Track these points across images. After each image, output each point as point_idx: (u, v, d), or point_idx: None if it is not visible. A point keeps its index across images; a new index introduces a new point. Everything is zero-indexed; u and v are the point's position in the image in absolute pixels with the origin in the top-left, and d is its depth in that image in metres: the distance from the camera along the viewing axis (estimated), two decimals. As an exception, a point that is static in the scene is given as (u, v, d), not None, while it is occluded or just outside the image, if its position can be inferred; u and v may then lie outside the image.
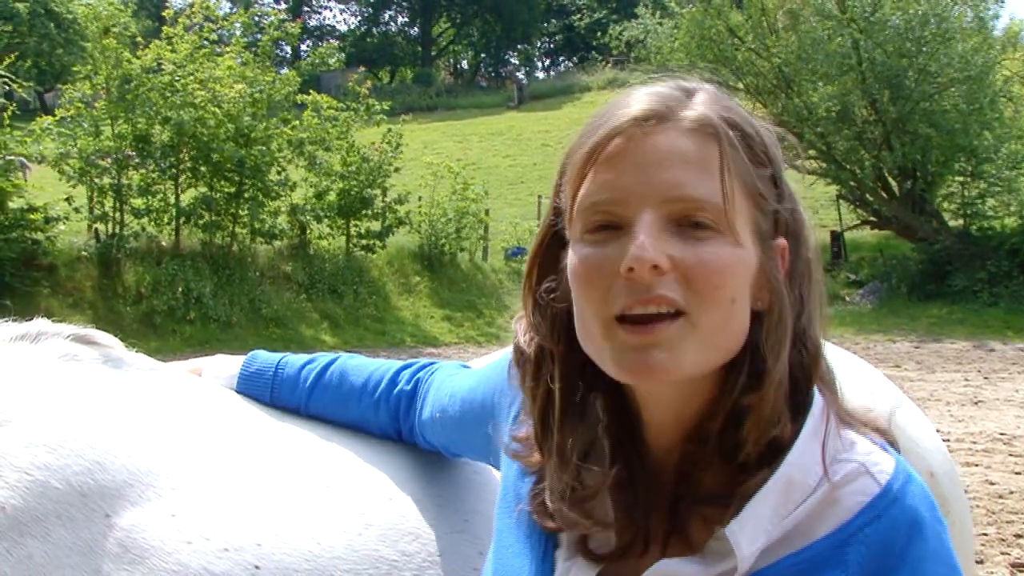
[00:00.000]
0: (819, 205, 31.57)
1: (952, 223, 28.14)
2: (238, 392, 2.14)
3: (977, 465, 10.29)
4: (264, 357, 2.20)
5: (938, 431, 9.66)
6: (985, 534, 8.14)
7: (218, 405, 2.02)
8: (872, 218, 29.19)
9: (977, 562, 7.49)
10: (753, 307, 1.31)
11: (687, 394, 1.33)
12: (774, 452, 1.29)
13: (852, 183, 28.03)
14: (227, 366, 2.20)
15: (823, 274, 1.41)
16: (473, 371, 1.93)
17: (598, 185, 1.31)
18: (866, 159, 27.33)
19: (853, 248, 30.08)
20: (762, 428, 1.29)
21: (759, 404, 1.29)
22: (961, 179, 28.60)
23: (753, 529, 1.26)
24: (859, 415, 1.39)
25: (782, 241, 1.34)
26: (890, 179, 28.36)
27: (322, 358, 2.16)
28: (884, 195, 28.18)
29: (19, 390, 1.77)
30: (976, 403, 14.10)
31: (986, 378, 16.52)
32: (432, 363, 2.08)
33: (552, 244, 1.42)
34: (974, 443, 11.28)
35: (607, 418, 1.42)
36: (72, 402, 1.80)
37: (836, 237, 29.58)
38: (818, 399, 1.34)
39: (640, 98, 1.34)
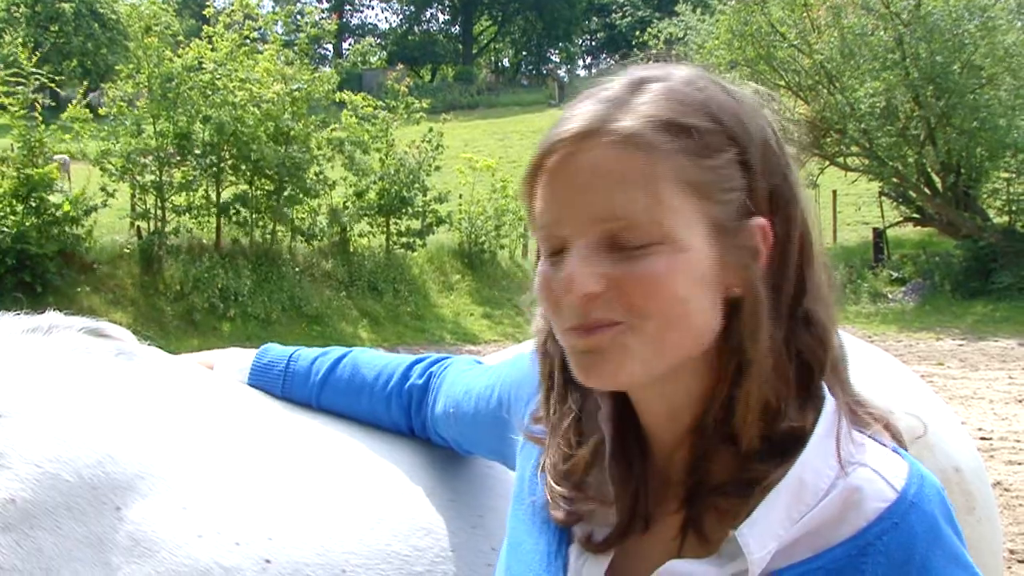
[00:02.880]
0: (861, 202, 31.38)
1: (997, 220, 27.82)
2: (250, 385, 2.14)
3: (1021, 464, 10.18)
4: (276, 350, 2.19)
5: (981, 429, 9.65)
6: (1027, 533, 8.05)
7: (230, 398, 2.02)
8: (915, 215, 28.95)
9: (1020, 561, 7.40)
10: (728, 296, 1.30)
11: (671, 387, 1.33)
12: (790, 444, 1.27)
13: (895, 179, 27.79)
14: (239, 359, 2.20)
15: (824, 253, 1.37)
16: (489, 367, 1.92)
17: (542, 205, 1.33)
18: (909, 155, 27.08)
19: (896, 245, 29.83)
20: (759, 415, 1.28)
21: (747, 392, 1.27)
22: (1007, 175, 28.29)
23: (763, 532, 1.24)
24: (869, 413, 1.35)
25: (759, 221, 1.30)
26: (934, 175, 28.09)
27: (334, 351, 2.15)
28: (927, 192, 27.91)
29: (30, 383, 1.77)
30: (1020, 401, 13.94)
31: (1031, 376, 16.33)
32: (445, 357, 2.07)
33: None
34: (1017, 441, 11.14)
35: (608, 407, 1.43)
36: (83, 395, 1.80)
37: (879, 234, 29.35)
38: (830, 396, 1.31)
39: (578, 110, 1.33)
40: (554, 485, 1.44)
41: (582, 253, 1.27)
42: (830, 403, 1.30)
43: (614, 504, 1.39)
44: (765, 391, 1.27)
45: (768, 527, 1.24)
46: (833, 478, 1.26)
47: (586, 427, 1.44)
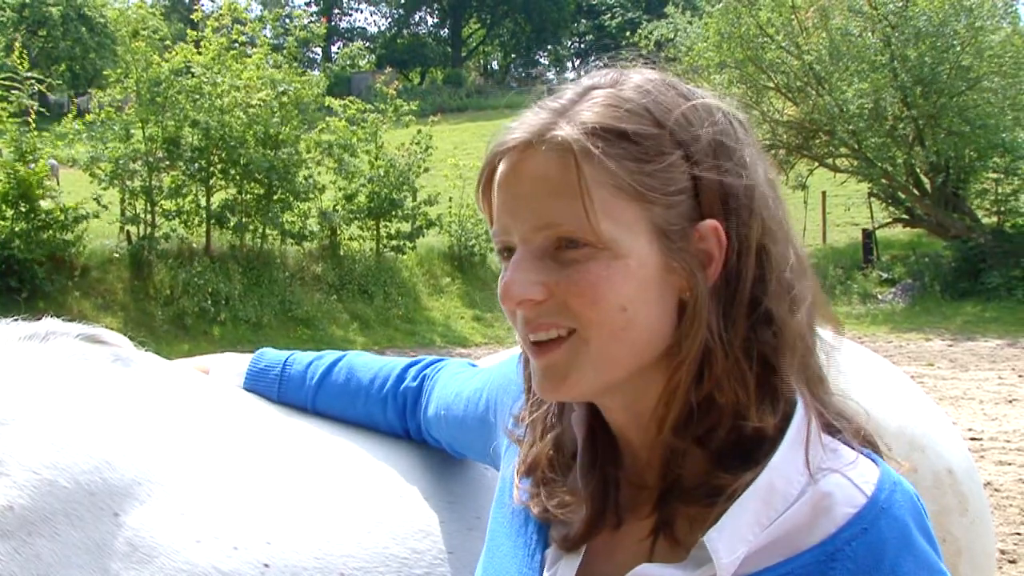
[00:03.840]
0: (851, 203, 31.39)
1: (986, 220, 27.85)
2: (246, 389, 2.14)
3: (1011, 464, 10.20)
4: (271, 355, 2.20)
5: (971, 430, 9.65)
6: (1019, 533, 8.07)
7: (226, 403, 2.02)
8: (904, 216, 28.97)
9: (1010, 561, 7.42)
10: (682, 298, 1.30)
11: (631, 395, 1.34)
12: (758, 448, 1.27)
13: (884, 181, 27.81)
14: (235, 364, 2.20)
15: (800, 252, 1.36)
16: (480, 371, 1.92)
17: (494, 212, 1.35)
18: (898, 156, 27.11)
19: (885, 246, 29.86)
20: (721, 417, 1.28)
21: (706, 392, 1.28)
22: (995, 176, 28.32)
23: (732, 537, 1.24)
24: (842, 417, 1.35)
25: (709, 223, 1.29)
26: (922, 176, 28.12)
27: (329, 355, 2.16)
28: (916, 193, 27.94)
29: (28, 389, 1.77)
30: (1010, 401, 13.97)
31: (1020, 376, 16.35)
32: (439, 360, 2.08)
33: None
34: (1007, 442, 11.17)
35: (581, 410, 1.44)
36: (80, 401, 1.80)
37: (868, 235, 29.38)
38: (801, 400, 1.30)
39: (524, 120, 1.35)
40: (517, 480, 1.46)
41: (522, 260, 1.29)
42: (800, 407, 1.29)
43: (583, 501, 1.39)
44: (726, 392, 1.27)
45: (737, 532, 1.24)
46: (804, 484, 1.26)
47: (557, 426, 1.46)
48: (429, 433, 1.99)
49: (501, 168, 1.33)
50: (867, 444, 1.34)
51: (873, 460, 1.31)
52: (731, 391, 1.27)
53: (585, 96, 1.34)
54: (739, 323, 1.28)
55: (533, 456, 1.45)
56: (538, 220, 1.28)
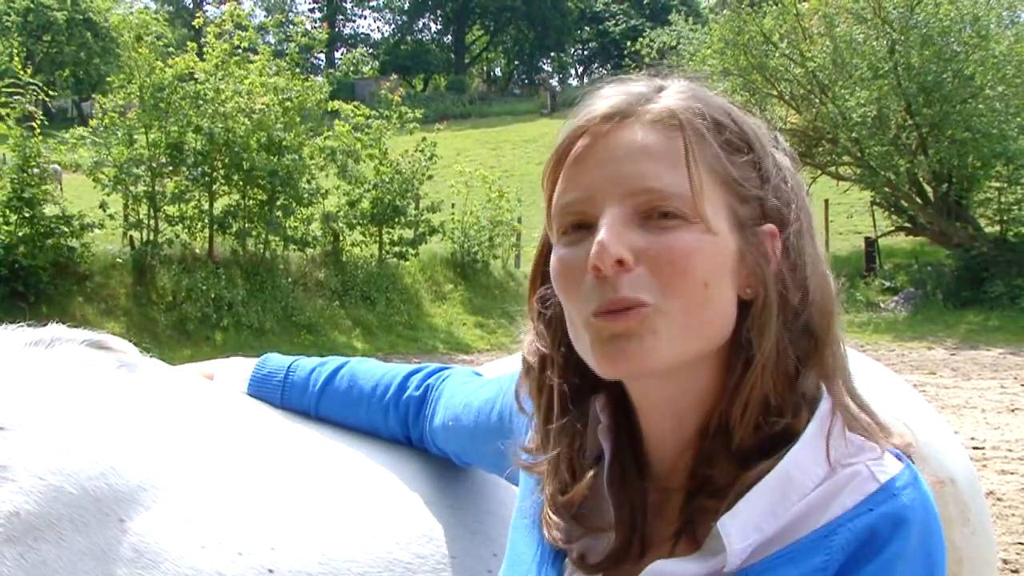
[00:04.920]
0: (853, 211, 31.40)
1: (988, 229, 27.84)
2: (249, 395, 2.14)
3: (1013, 473, 10.19)
4: (276, 360, 2.20)
5: (973, 439, 9.64)
6: (1021, 543, 8.05)
7: (231, 409, 2.02)
8: (907, 224, 28.98)
9: (1013, 571, 7.41)
10: (741, 296, 1.31)
11: (679, 389, 1.33)
12: (781, 443, 1.28)
13: (887, 189, 27.81)
14: (239, 369, 2.20)
15: (826, 264, 1.38)
16: (489, 380, 1.91)
17: (567, 186, 1.33)
18: (901, 165, 27.10)
19: (888, 255, 29.88)
20: (757, 416, 1.29)
21: (748, 390, 1.28)
22: (998, 185, 28.31)
23: (744, 523, 1.25)
24: (875, 420, 1.35)
25: (769, 227, 1.32)
26: (925, 185, 28.13)
27: (332, 362, 2.16)
28: (919, 201, 27.94)
29: (33, 395, 1.77)
30: (1012, 410, 13.95)
31: (1023, 385, 16.34)
32: (442, 368, 2.07)
33: (550, 252, 1.41)
34: (1010, 451, 11.15)
35: (608, 420, 1.42)
36: (86, 407, 1.80)
37: (871, 244, 29.39)
38: (826, 397, 1.31)
39: (606, 96, 1.35)
40: (551, 515, 1.43)
41: (613, 222, 1.26)
42: (825, 404, 1.30)
43: (612, 529, 1.38)
44: (767, 390, 1.28)
45: (750, 519, 1.25)
46: (822, 477, 1.26)
47: (583, 459, 1.43)
48: (434, 443, 1.98)
49: (584, 140, 1.32)
50: (898, 446, 1.34)
51: (900, 459, 1.31)
52: (773, 390, 1.29)
53: (660, 87, 1.37)
54: (786, 326, 1.30)
55: (569, 496, 1.42)
56: (634, 185, 1.27)
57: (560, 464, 1.44)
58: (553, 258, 1.35)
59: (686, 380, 1.33)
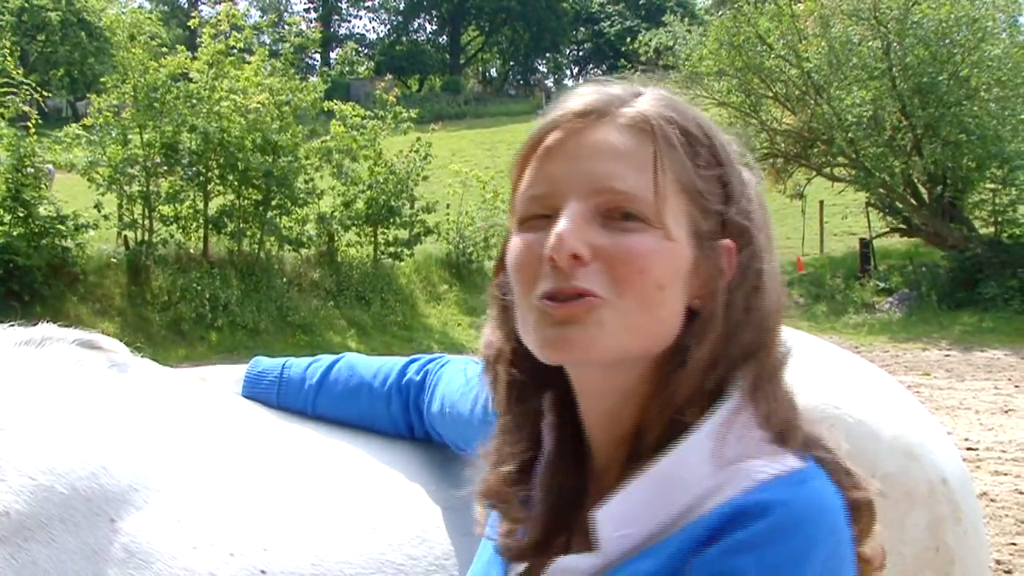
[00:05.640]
0: (848, 212, 31.39)
1: (983, 230, 27.84)
2: (244, 396, 2.14)
3: (1007, 474, 10.19)
4: (268, 361, 2.20)
5: (967, 440, 9.66)
6: (1014, 544, 8.06)
7: (223, 408, 2.02)
8: (902, 226, 28.98)
9: (1006, 572, 7.42)
10: (691, 305, 1.32)
11: (616, 383, 1.33)
12: (673, 440, 1.28)
13: (881, 190, 27.82)
14: (231, 372, 2.20)
15: (781, 289, 1.39)
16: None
17: (534, 177, 1.34)
18: (896, 166, 27.09)
19: (882, 256, 29.86)
20: (667, 415, 1.29)
21: (671, 393, 1.29)
22: (992, 186, 28.32)
23: (616, 515, 1.25)
24: (790, 421, 1.32)
25: (727, 243, 1.33)
26: (920, 186, 28.14)
27: (326, 358, 2.16)
28: (914, 202, 27.94)
29: (24, 395, 1.77)
30: (1006, 411, 13.96)
31: (1016, 386, 16.34)
32: (440, 356, 2.08)
33: None
34: (1003, 452, 11.16)
35: (554, 417, 1.43)
36: (77, 407, 1.80)
37: (865, 245, 29.39)
38: (734, 397, 1.30)
39: (583, 94, 1.36)
40: (479, 507, 1.46)
41: (574, 215, 1.27)
42: (729, 402, 1.29)
43: (535, 520, 1.39)
44: (689, 393, 1.29)
45: (625, 511, 1.25)
46: (710, 473, 1.25)
47: (521, 453, 1.44)
48: (433, 428, 2.00)
49: (557, 134, 1.33)
50: (808, 448, 1.31)
51: (807, 463, 1.27)
52: (695, 398, 1.29)
53: (636, 92, 1.37)
54: (724, 340, 1.30)
55: (497, 487, 1.43)
56: (600, 183, 1.28)
57: (499, 456, 1.45)
58: (512, 243, 1.36)
59: (623, 376, 1.33)
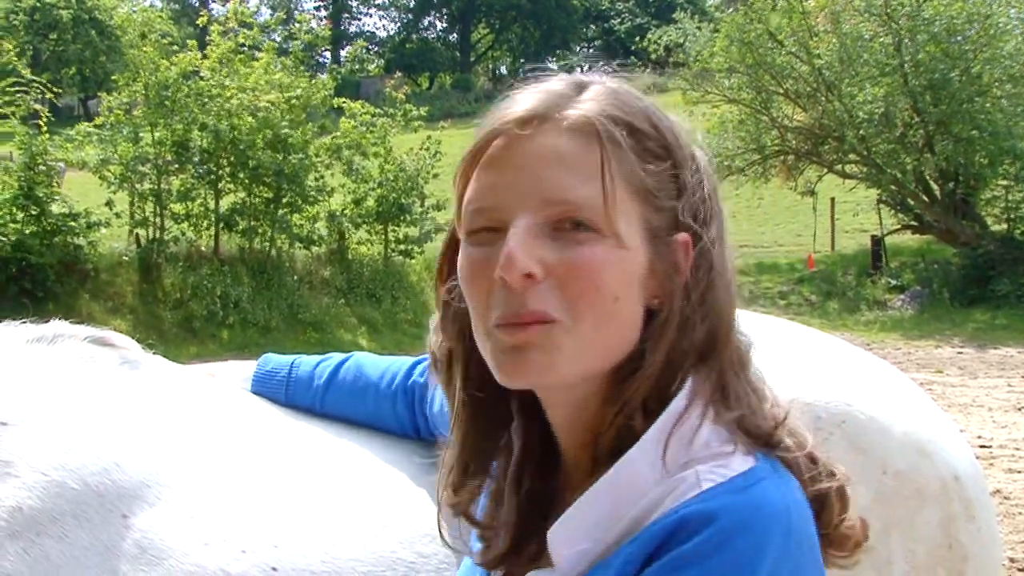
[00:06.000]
0: (860, 209, 31.32)
1: (995, 227, 27.75)
2: (253, 393, 2.14)
3: (1020, 472, 10.16)
4: (277, 358, 2.20)
5: (980, 437, 9.61)
6: (1026, 541, 8.04)
7: (234, 406, 2.02)
8: (914, 223, 28.89)
9: (1020, 570, 7.39)
10: (649, 305, 1.29)
11: (582, 396, 1.31)
12: (627, 446, 1.25)
13: (893, 187, 27.73)
14: (240, 369, 2.20)
15: (733, 276, 1.35)
16: None
17: (479, 189, 1.29)
18: (907, 162, 27.01)
19: (894, 253, 29.77)
20: (623, 420, 1.27)
21: (628, 395, 1.26)
22: (1005, 183, 28.22)
23: (573, 530, 1.23)
24: (746, 415, 1.29)
25: (682, 236, 1.30)
26: (932, 183, 28.05)
27: (335, 356, 2.16)
28: (926, 199, 27.85)
29: (36, 391, 1.78)
30: (1019, 409, 13.91)
31: (1029, 384, 16.31)
32: None
33: (458, 245, 1.37)
34: (1017, 449, 11.12)
35: (521, 419, 1.41)
36: (88, 403, 1.81)
37: (877, 242, 29.30)
38: (681, 398, 1.27)
39: (524, 98, 1.32)
40: (441, 514, 1.44)
41: (524, 232, 1.23)
42: (676, 403, 1.26)
43: (503, 528, 1.38)
44: (644, 396, 1.26)
45: (580, 526, 1.23)
46: (657, 481, 1.22)
47: (479, 458, 1.42)
48: (436, 428, 1.98)
49: (499, 142, 1.29)
50: (774, 451, 1.28)
51: (758, 463, 1.24)
52: (649, 402, 1.26)
53: (582, 87, 1.33)
54: (680, 338, 1.28)
55: (458, 497, 1.41)
56: (548, 195, 1.24)
57: (455, 462, 1.42)
58: (461, 256, 1.31)
59: (590, 387, 1.30)
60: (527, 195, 1.25)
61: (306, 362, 2.16)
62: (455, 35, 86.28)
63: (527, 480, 1.39)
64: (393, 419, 2.05)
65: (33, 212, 19.10)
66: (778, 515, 1.17)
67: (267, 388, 2.15)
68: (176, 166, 21.86)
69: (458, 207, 1.34)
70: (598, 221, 1.23)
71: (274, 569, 1.67)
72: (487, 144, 1.30)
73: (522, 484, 1.39)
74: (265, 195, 22.70)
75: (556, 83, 1.35)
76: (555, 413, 1.35)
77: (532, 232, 1.23)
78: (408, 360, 2.09)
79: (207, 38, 22.92)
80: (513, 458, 1.40)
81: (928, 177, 27.83)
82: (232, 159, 21.98)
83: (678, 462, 1.22)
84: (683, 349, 1.27)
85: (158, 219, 21.83)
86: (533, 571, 1.30)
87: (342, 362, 2.13)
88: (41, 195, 19.15)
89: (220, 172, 22.18)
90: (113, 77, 24.37)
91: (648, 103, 1.34)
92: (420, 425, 2.04)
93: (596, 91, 1.32)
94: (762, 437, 1.28)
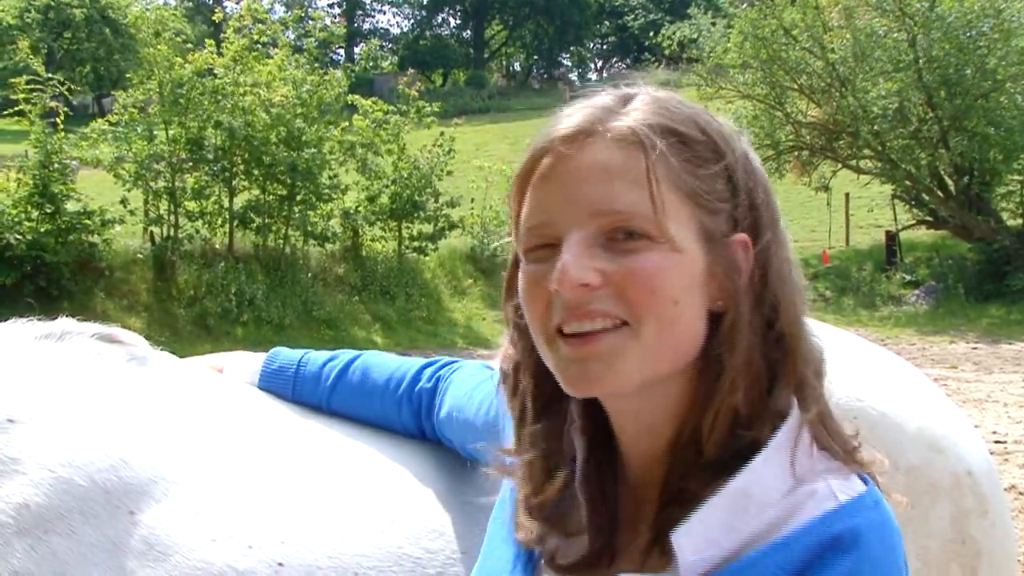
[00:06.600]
0: (874, 204, 31.26)
1: (1010, 222, 27.67)
2: (260, 388, 2.14)
3: (1034, 468, 10.13)
4: (285, 354, 2.19)
5: (995, 432, 9.58)
6: (1043, 537, 8.00)
7: (241, 402, 2.02)
8: (928, 218, 28.82)
9: (1034, 566, 7.36)
10: (712, 309, 1.30)
11: (650, 403, 1.32)
12: (747, 455, 1.26)
13: (908, 182, 27.67)
14: (248, 363, 2.20)
15: (799, 273, 1.36)
16: (494, 374, 1.90)
17: (532, 207, 1.32)
18: (922, 158, 26.95)
19: (908, 248, 29.70)
20: (726, 428, 1.27)
21: (717, 404, 1.27)
22: (1020, 178, 28.14)
23: (698, 537, 1.23)
24: (845, 440, 1.33)
25: (740, 237, 1.31)
26: (946, 178, 27.97)
27: (344, 355, 2.16)
28: (940, 194, 27.78)
29: (43, 388, 1.78)
30: (1034, 405, 13.88)
31: (1045, 379, 16.25)
32: (454, 361, 2.07)
33: (519, 264, 1.40)
34: (1032, 445, 11.09)
35: (582, 420, 1.41)
36: (96, 400, 1.81)
37: (892, 237, 29.24)
38: (795, 411, 1.29)
39: (569, 115, 1.34)
40: (524, 518, 1.43)
41: (577, 245, 1.25)
42: (793, 418, 1.28)
43: (584, 532, 1.37)
44: (736, 403, 1.27)
45: (705, 532, 1.23)
46: (784, 491, 1.24)
47: (557, 462, 1.42)
48: (442, 433, 1.99)
49: (548, 160, 1.31)
50: (861, 466, 1.31)
51: (865, 481, 1.29)
52: (744, 402, 1.27)
53: (627, 99, 1.35)
54: (758, 338, 1.29)
55: (542, 498, 1.42)
56: (597, 206, 1.26)
57: (533, 467, 1.43)
58: (520, 274, 1.34)
59: (657, 394, 1.31)
60: (577, 209, 1.27)
61: (314, 360, 2.15)
62: (469, 32, 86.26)
63: (600, 488, 1.40)
64: (398, 424, 2.06)
65: (48, 210, 19.18)
66: (897, 530, 1.26)
67: (274, 385, 2.15)
68: (190, 164, 21.95)
69: (515, 227, 1.36)
70: (649, 228, 1.25)
71: (280, 565, 1.67)
72: (536, 163, 1.33)
73: (597, 491, 1.39)
74: (279, 192, 22.77)
75: (602, 97, 1.36)
76: (626, 426, 1.36)
77: (585, 244, 1.26)
78: (416, 363, 2.09)
79: (221, 35, 22.97)
80: (580, 466, 1.41)
81: (943, 172, 27.76)
82: (246, 156, 22.03)
83: (803, 472, 1.25)
84: (765, 350, 1.29)
85: (172, 217, 21.91)
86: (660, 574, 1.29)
87: (350, 362, 2.13)
88: (56, 192, 19.22)
89: (234, 169, 22.25)
90: (127, 75, 24.45)
91: (697, 109, 1.36)
92: (426, 431, 2.04)
93: (641, 102, 1.34)
94: (850, 452, 1.31)
